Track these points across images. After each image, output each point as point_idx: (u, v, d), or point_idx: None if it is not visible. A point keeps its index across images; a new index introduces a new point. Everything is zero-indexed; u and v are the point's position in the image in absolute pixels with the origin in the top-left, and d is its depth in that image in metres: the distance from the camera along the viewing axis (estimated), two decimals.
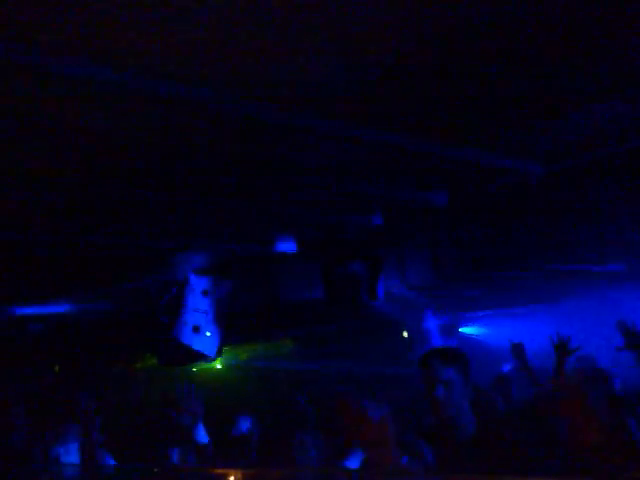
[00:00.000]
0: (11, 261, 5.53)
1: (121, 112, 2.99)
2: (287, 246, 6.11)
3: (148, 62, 2.52)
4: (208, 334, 7.19)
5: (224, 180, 4.16)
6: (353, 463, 4.24)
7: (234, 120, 3.22)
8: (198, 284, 7.05)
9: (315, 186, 4.33)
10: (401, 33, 2.46)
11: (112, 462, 4.14)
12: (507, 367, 5.88)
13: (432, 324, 7.38)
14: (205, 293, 7.06)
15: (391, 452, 2.27)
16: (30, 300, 6.78)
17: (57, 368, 8.14)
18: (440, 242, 5.49)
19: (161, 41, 2.38)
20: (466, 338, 7.85)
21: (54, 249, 5.37)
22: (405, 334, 7.52)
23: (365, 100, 3.02)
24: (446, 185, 4.56)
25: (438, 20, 2.40)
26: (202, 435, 4.00)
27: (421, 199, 4.85)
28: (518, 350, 4.74)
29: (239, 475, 3.62)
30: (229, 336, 7.64)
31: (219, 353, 7.80)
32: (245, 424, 5.33)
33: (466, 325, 7.97)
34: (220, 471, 3.72)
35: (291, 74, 2.72)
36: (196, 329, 7.09)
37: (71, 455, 4.13)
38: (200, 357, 7.43)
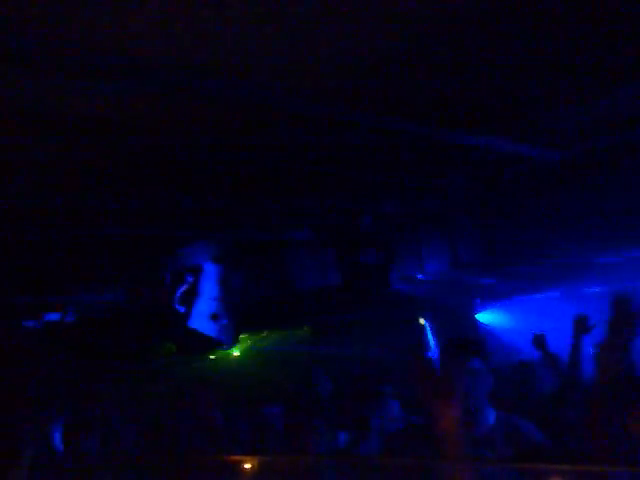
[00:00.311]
0: (25, 251, 5.58)
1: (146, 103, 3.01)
2: (303, 233, 6.12)
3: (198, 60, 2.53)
4: (224, 322, 7.24)
5: (240, 168, 4.16)
6: (367, 448, 4.26)
7: (254, 109, 3.21)
8: (213, 272, 7.08)
9: (332, 174, 4.32)
10: (419, 17, 2.43)
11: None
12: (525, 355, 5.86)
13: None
14: (220, 281, 7.10)
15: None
16: (44, 290, 6.83)
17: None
18: (457, 229, 5.46)
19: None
20: (482, 325, 7.82)
21: (68, 240, 5.40)
22: (422, 321, 7.52)
23: (382, 88, 2.99)
24: (463, 172, 4.53)
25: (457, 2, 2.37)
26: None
27: (438, 186, 4.84)
28: (540, 341, 4.73)
29: (255, 462, 3.65)
30: (245, 323, 7.68)
31: (236, 340, 7.86)
32: (274, 409, 5.36)
33: (482, 312, 7.94)
34: (236, 458, 3.74)
35: (315, 62, 2.69)
36: (213, 317, 7.14)
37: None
38: (217, 344, 7.49)
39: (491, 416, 2.99)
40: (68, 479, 3.76)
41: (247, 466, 3.67)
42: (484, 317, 7.92)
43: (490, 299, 7.64)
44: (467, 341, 3.20)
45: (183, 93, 2.88)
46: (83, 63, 2.42)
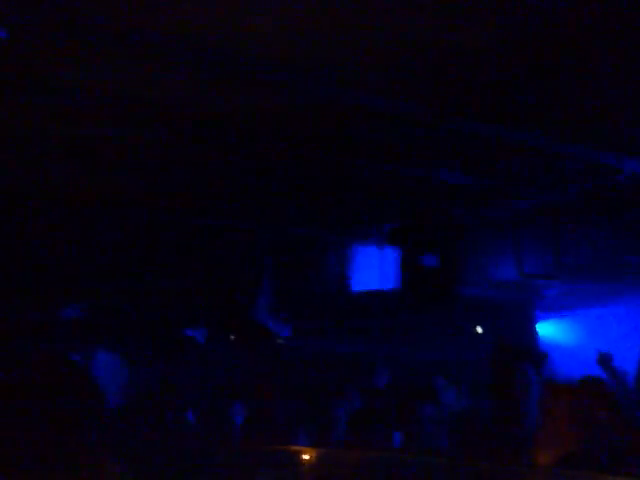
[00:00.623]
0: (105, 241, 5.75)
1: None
2: (366, 234, 6.15)
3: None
4: (283, 316, 7.33)
5: (307, 164, 4.19)
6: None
7: (326, 103, 3.24)
8: (275, 267, 7.17)
9: (401, 175, 4.33)
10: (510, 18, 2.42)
11: None
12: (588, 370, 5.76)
13: None
14: (282, 276, 7.18)
15: None
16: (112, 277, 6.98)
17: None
18: (524, 239, 5.40)
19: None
20: (542, 336, 7.72)
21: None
22: (479, 329, 7.44)
23: (465, 89, 2.99)
24: (536, 181, 4.49)
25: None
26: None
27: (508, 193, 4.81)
28: (606, 359, 4.63)
29: (313, 454, 3.71)
30: (302, 320, 7.75)
31: (293, 335, 7.94)
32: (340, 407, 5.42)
33: (541, 323, 7.83)
34: (295, 449, 3.81)
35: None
36: (272, 310, 7.24)
37: None
38: (275, 338, 7.58)
39: (537, 422, 3.00)
40: None
41: (306, 457, 3.73)
42: (545, 328, 7.81)
43: (552, 311, 7.53)
44: (520, 348, 3.21)
45: (264, 86, 2.95)
46: (182, 55, 2.53)
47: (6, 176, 4.19)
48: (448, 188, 4.64)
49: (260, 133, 3.63)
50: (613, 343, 5.11)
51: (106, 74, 2.79)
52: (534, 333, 7.45)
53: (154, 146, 3.82)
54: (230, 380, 6.28)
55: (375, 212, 5.56)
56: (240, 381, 5.43)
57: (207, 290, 7.17)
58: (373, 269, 6.61)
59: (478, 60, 2.73)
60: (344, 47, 2.67)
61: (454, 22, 2.45)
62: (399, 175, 4.40)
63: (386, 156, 4.05)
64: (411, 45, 2.62)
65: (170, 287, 7.49)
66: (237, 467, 3.58)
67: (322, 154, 3.99)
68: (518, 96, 3.07)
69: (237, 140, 3.73)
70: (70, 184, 4.33)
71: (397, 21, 2.44)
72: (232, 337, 7.58)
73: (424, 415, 4.57)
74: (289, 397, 4.94)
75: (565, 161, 4.01)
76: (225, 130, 3.56)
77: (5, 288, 5.97)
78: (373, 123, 3.53)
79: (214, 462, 3.61)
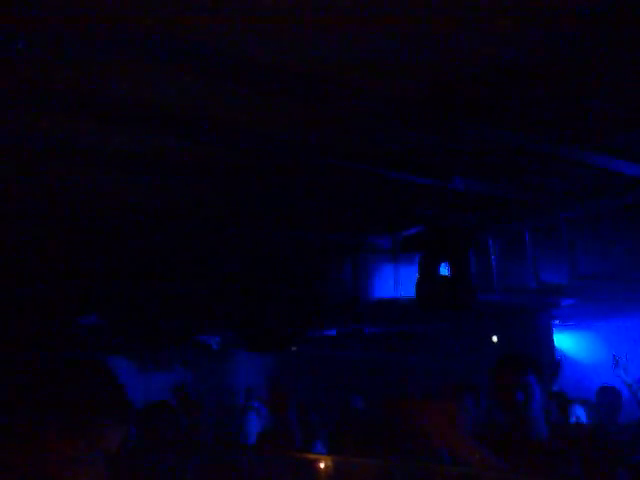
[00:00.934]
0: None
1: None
2: (380, 241, 6.15)
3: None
4: (295, 324, 7.34)
5: (331, 169, 4.16)
6: None
7: (355, 112, 3.23)
8: (290, 274, 7.18)
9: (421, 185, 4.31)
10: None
11: None
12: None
13: None
14: (296, 283, 7.19)
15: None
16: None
17: None
18: (541, 246, 5.39)
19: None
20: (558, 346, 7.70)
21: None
22: (494, 339, 7.43)
23: (496, 96, 2.98)
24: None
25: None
26: None
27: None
28: (621, 362, 4.64)
29: (329, 461, 3.71)
30: (314, 326, 7.77)
31: (305, 341, 7.96)
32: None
33: (560, 332, 7.82)
34: (312, 456, 3.81)
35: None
36: (284, 318, 7.25)
37: None
38: (288, 344, 7.60)
39: (544, 430, 3.00)
40: None
41: (322, 466, 3.73)
42: (562, 338, 7.79)
43: (569, 320, 7.52)
44: (522, 357, 3.25)
45: (290, 96, 2.96)
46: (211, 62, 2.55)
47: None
48: (464, 196, 4.63)
49: (285, 140, 3.63)
50: (628, 354, 5.10)
51: (158, 88, 2.81)
52: (549, 342, 7.44)
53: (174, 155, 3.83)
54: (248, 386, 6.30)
55: (391, 219, 5.54)
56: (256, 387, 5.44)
57: (224, 297, 7.18)
58: (388, 277, 6.61)
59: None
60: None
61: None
62: (415, 182, 4.39)
63: (402, 163, 4.03)
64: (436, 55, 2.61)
65: (187, 293, 7.51)
66: (254, 474, 3.60)
67: (339, 160, 3.98)
68: (536, 104, 3.07)
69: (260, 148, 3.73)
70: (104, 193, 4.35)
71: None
72: (248, 344, 7.60)
73: None
74: (305, 403, 4.93)
75: (584, 170, 4.00)
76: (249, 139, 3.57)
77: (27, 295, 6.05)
78: (401, 129, 3.51)
79: (230, 469, 3.62)
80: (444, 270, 5.63)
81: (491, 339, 7.39)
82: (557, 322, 7.75)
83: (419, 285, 5.82)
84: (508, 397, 2.96)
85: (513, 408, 2.96)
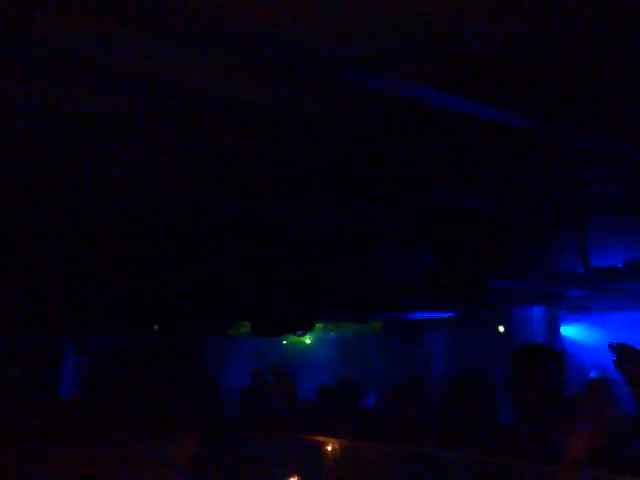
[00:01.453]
0: None
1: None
2: (393, 227, 6.11)
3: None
4: (302, 308, 7.34)
5: (357, 159, 4.14)
6: None
7: (387, 102, 3.20)
8: (304, 266, 7.16)
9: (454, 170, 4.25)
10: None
11: None
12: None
13: None
14: (310, 275, 7.18)
15: None
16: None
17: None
18: (554, 240, 5.35)
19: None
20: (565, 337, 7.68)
21: None
22: (501, 329, 7.42)
23: (524, 87, 2.96)
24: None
25: None
26: None
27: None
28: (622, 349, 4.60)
29: (337, 444, 3.72)
30: (321, 313, 7.76)
31: (311, 328, 7.95)
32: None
33: (568, 324, 7.80)
34: (320, 439, 3.81)
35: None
36: (291, 302, 7.25)
37: None
38: (294, 330, 7.60)
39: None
40: None
41: (329, 448, 3.74)
42: (569, 330, 7.78)
43: (578, 312, 7.49)
44: (539, 348, 3.24)
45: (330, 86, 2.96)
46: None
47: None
48: (480, 184, 4.60)
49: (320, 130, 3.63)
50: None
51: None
52: (557, 333, 7.43)
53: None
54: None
55: (406, 206, 5.47)
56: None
57: (236, 289, 7.16)
58: (399, 263, 6.58)
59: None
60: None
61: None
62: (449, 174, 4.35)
63: (443, 151, 3.97)
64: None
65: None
66: (261, 456, 3.61)
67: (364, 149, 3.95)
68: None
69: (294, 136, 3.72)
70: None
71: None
72: (259, 333, 7.59)
73: None
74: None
75: (596, 158, 3.96)
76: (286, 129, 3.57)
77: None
78: (431, 119, 3.47)
79: (239, 451, 3.63)
80: (459, 255, 5.58)
81: (497, 329, 7.39)
82: (567, 313, 7.73)
83: (426, 273, 5.81)
84: (530, 388, 2.94)
85: (534, 398, 2.95)
